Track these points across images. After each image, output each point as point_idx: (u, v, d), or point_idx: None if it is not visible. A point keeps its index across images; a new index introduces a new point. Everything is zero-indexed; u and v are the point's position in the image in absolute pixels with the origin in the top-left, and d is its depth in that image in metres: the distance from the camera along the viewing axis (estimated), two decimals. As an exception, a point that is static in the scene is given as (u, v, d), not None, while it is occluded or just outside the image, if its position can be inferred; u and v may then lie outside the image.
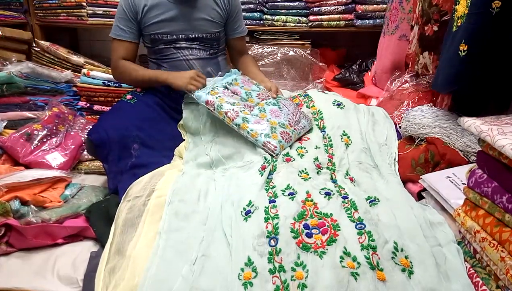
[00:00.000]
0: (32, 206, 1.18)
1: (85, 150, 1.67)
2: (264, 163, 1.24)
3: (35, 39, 2.42)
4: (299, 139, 1.39)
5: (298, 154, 1.29)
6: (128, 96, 1.58)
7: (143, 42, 1.71)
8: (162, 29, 1.61)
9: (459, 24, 1.19)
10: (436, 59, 1.55)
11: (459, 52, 1.16)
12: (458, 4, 1.21)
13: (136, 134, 1.39)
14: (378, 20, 2.29)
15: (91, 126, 1.82)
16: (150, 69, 1.63)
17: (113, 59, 1.61)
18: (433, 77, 1.45)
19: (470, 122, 0.89)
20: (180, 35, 1.64)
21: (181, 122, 1.56)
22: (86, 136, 1.44)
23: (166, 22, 1.61)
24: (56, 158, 1.61)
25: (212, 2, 1.64)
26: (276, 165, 1.24)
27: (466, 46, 1.14)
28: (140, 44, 1.69)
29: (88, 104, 2.12)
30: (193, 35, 1.65)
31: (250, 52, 2.28)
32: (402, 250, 0.93)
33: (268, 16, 2.38)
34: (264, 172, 1.20)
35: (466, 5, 1.16)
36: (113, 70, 1.65)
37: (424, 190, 1.16)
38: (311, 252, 0.92)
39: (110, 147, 1.35)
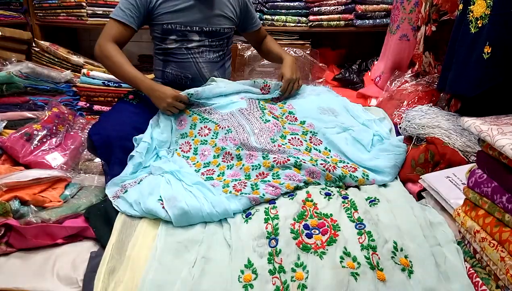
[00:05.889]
0: (32, 206, 1.18)
1: (85, 149, 1.67)
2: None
3: (35, 39, 2.41)
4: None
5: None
6: (130, 96, 1.57)
7: (152, 36, 1.66)
8: (176, 19, 1.57)
9: (479, 25, 1.15)
10: (434, 58, 1.54)
11: (483, 54, 1.12)
12: (474, 4, 1.17)
13: (139, 136, 1.38)
14: (378, 20, 2.29)
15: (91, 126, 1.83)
16: (135, 70, 1.48)
17: (103, 36, 1.49)
18: (439, 79, 1.41)
19: (470, 122, 0.89)
20: (194, 27, 1.59)
21: None
22: (87, 135, 1.39)
23: (181, 12, 1.56)
24: (56, 158, 1.61)
25: None
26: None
27: (490, 48, 1.10)
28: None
29: (88, 104, 2.12)
30: (207, 28, 1.61)
31: (249, 52, 2.28)
32: (402, 250, 0.93)
33: (268, 16, 2.38)
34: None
35: (486, 5, 1.12)
36: (98, 47, 1.49)
37: (424, 190, 1.16)
38: (311, 253, 0.92)
39: (112, 150, 1.32)
